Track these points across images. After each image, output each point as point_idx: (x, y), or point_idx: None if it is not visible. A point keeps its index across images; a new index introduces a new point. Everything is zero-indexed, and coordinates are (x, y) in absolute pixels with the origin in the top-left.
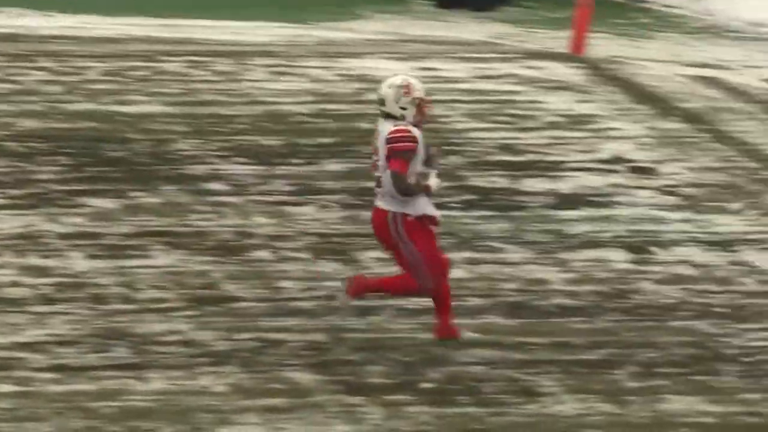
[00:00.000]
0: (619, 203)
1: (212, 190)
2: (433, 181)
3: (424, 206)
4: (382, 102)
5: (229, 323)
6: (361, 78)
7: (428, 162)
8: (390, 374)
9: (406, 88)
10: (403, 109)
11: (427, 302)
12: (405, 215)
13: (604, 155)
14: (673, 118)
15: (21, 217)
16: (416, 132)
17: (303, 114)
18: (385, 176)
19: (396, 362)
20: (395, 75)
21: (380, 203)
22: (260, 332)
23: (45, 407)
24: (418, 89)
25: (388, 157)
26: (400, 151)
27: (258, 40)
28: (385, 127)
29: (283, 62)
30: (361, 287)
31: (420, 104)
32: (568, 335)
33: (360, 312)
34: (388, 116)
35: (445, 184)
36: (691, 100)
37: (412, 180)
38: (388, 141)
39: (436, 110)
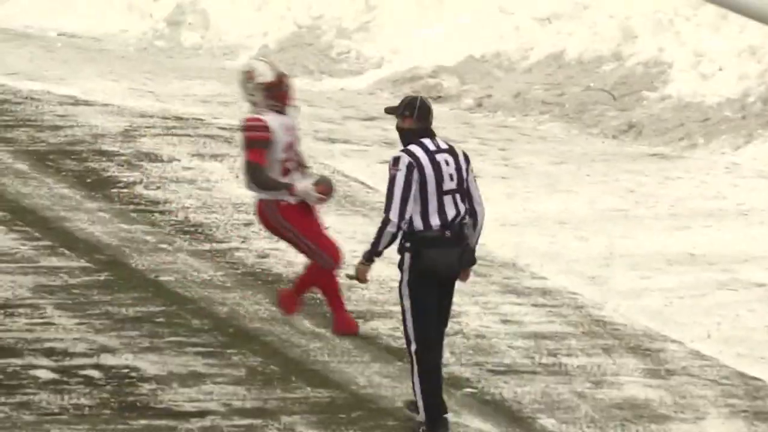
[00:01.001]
0: None
1: None
2: (303, 185)
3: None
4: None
5: None
6: None
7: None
8: None
9: (248, 74)
10: (251, 95)
11: None
12: (278, 201)
13: None
14: None
15: None
16: (271, 120)
17: None
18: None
19: None
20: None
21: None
22: None
23: None
24: (262, 73)
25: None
26: (252, 140)
27: None
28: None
29: None
30: (290, 297)
31: (269, 89)
32: None
33: None
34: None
35: None
36: None
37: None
38: (241, 129)
39: None
